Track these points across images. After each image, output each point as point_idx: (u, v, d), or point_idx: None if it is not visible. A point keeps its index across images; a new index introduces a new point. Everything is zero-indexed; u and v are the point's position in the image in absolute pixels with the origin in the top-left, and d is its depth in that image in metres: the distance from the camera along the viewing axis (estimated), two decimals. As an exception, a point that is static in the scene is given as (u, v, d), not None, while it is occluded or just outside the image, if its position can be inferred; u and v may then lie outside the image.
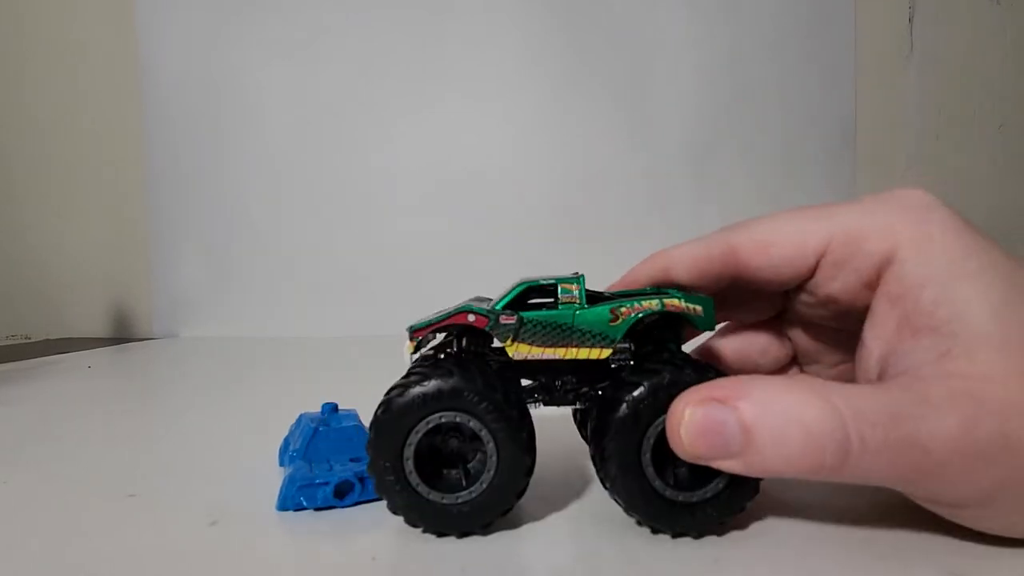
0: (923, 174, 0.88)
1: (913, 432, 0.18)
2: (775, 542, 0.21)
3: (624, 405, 0.21)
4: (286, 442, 0.30)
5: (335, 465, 0.26)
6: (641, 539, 0.21)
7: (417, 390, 0.21)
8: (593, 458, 0.23)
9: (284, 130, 0.88)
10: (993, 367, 0.18)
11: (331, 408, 0.28)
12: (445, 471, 0.22)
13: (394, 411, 0.21)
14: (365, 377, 0.33)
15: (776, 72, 0.86)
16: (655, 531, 0.22)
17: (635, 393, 0.21)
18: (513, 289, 0.23)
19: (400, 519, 0.22)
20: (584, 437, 0.28)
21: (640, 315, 0.22)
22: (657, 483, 0.21)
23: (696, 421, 0.19)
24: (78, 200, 0.95)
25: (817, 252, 0.22)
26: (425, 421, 0.21)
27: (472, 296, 0.26)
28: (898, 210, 0.21)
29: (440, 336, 0.24)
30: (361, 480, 0.25)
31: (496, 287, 0.26)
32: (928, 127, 0.88)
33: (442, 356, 0.24)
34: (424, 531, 0.22)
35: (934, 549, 0.20)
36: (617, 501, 0.22)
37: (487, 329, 0.22)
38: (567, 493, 0.26)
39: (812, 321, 0.26)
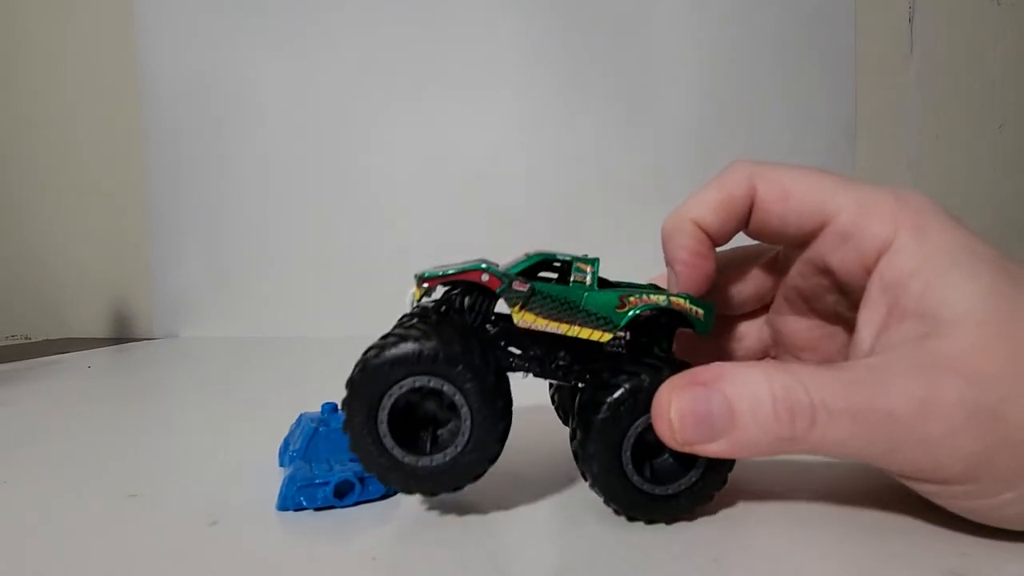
0: (923, 174, 0.88)
1: (872, 397, 0.18)
2: (775, 542, 0.21)
3: (605, 407, 0.22)
4: (286, 442, 0.29)
5: (335, 465, 0.26)
6: (640, 538, 0.21)
7: (392, 352, 0.21)
8: (575, 455, 0.23)
9: (284, 130, 0.88)
10: (970, 342, 0.19)
11: (331, 408, 0.29)
12: (421, 433, 0.22)
13: (369, 372, 0.21)
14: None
15: (776, 72, 0.86)
16: (631, 519, 0.23)
17: (615, 395, 0.21)
18: (529, 258, 0.23)
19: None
20: (560, 417, 0.29)
21: (647, 307, 0.23)
22: (636, 479, 0.22)
23: (684, 407, 0.20)
24: (78, 200, 0.95)
25: (829, 216, 0.22)
26: (399, 384, 0.21)
27: (478, 258, 0.26)
28: (900, 200, 0.22)
29: (442, 289, 0.24)
30: (361, 480, 0.25)
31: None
32: (928, 127, 0.88)
33: (431, 314, 0.24)
34: (399, 491, 0.22)
35: (934, 549, 0.20)
36: (597, 493, 0.23)
37: (498, 292, 0.23)
38: (567, 491, 0.26)
39: (803, 298, 0.26)
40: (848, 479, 0.26)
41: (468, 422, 0.21)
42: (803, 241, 0.24)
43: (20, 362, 0.68)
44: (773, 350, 0.29)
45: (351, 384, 0.21)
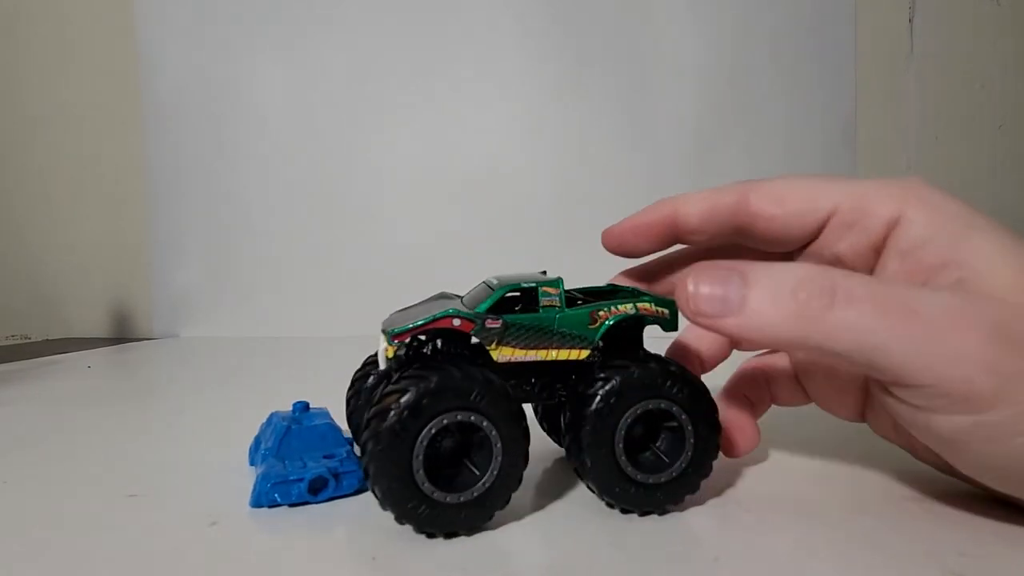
0: (923, 174, 0.88)
1: (901, 294, 0.18)
2: (774, 540, 0.21)
3: (598, 399, 0.22)
4: (257, 441, 0.29)
5: (308, 462, 0.26)
6: (640, 538, 0.21)
7: (422, 389, 0.20)
8: (568, 449, 0.24)
9: (284, 130, 0.88)
10: (1007, 282, 0.19)
11: (302, 407, 0.29)
12: (447, 471, 0.22)
13: (403, 417, 0.20)
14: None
15: (776, 72, 0.85)
16: (624, 511, 0.23)
17: (607, 387, 0.22)
18: (494, 293, 0.23)
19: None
20: (545, 429, 0.30)
21: (617, 318, 0.23)
22: (629, 469, 0.22)
23: (702, 278, 0.20)
24: (78, 200, 0.95)
25: (828, 210, 0.23)
26: (429, 426, 0.20)
27: (436, 292, 0.26)
28: (904, 184, 0.22)
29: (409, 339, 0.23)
30: (336, 476, 0.25)
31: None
32: (928, 127, 0.88)
33: (425, 355, 0.24)
34: (429, 535, 0.21)
35: (934, 548, 0.20)
36: (590, 487, 0.23)
37: (472, 333, 0.22)
38: (566, 492, 0.26)
39: None
40: (849, 480, 0.26)
41: (499, 446, 0.21)
42: (807, 241, 0.24)
43: (20, 362, 0.68)
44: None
45: (382, 434, 0.20)
